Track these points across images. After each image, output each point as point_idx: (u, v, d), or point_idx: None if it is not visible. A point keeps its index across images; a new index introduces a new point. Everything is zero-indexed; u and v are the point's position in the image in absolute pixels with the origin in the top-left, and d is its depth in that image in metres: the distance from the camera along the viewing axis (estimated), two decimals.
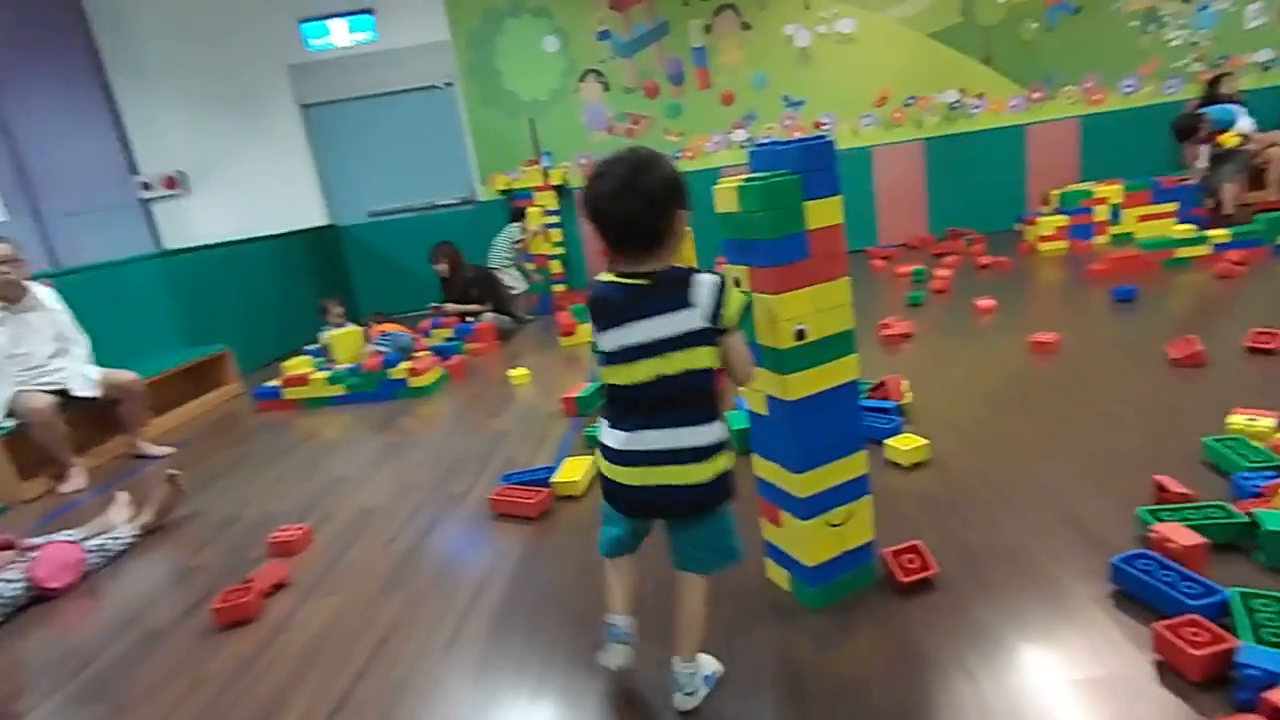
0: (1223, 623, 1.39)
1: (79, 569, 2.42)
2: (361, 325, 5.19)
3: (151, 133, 7.28)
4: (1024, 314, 4.08)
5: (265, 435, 3.94)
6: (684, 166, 6.97)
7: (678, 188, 1.28)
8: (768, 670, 1.53)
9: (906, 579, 1.70)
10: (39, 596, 2.32)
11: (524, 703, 1.56)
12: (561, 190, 6.85)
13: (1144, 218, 5.50)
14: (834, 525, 1.67)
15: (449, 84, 7.18)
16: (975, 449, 2.42)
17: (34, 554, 2.38)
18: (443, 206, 7.47)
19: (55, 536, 2.51)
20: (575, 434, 3.16)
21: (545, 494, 2.45)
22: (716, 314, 1.29)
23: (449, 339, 5.27)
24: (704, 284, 1.28)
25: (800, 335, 1.54)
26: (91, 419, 3.79)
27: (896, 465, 2.37)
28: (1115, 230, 5.55)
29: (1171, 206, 5.45)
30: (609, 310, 1.31)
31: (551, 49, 6.98)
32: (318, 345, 5.02)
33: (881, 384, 2.87)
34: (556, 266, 6.94)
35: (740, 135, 7.07)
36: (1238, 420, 2.17)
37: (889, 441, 2.41)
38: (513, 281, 6.19)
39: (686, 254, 1.44)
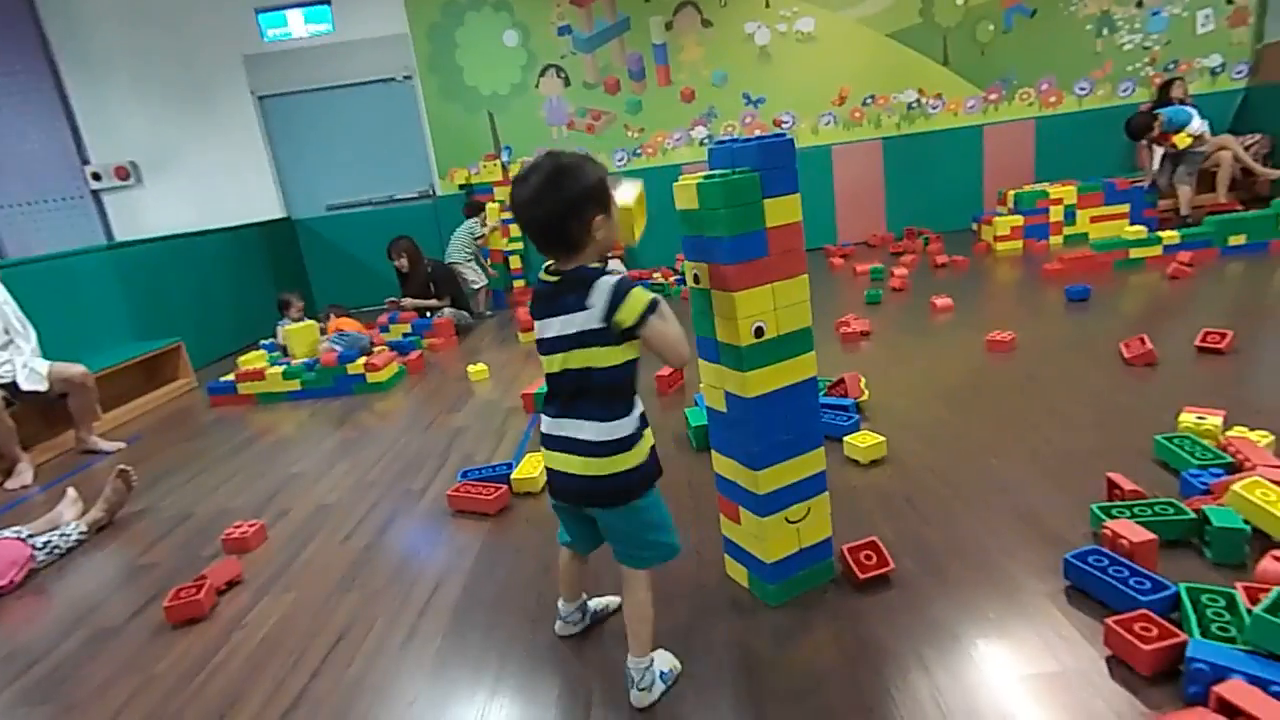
0: (1172, 618, 1.42)
1: (26, 566, 2.38)
2: (318, 319, 5.08)
3: (103, 122, 7.07)
4: (980, 313, 4.15)
5: (219, 430, 3.87)
6: (644, 163, 6.98)
7: (594, 194, 1.32)
8: (727, 667, 1.52)
9: (864, 575, 1.70)
10: None
11: (482, 699, 1.54)
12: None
13: (1097, 218, 5.64)
14: (792, 522, 1.66)
15: (408, 77, 7.06)
16: (932, 446, 2.44)
17: None
18: (401, 201, 7.35)
19: (2, 533, 2.46)
20: (535, 430, 3.09)
21: (504, 490, 2.44)
22: (610, 314, 1.31)
23: (407, 334, 5.20)
24: (602, 287, 1.31)
25: (759, 332, 1.54)
26: (39, 413, 3.74)
27: (854, 462, 2.38)
28: (1069, 231, 5.69)
29: (1124, 208, 5.61)
30: (535, 303, 1.42)
31: (511, 43, 6.91)
32: (276, 340, 4.91)
33: (840, 381, 2.88)
34: (516, 262, 6.89)
35: (700, 132, 7.08)
36: (1187, 419, 2.22)
37: (847, 439, 2.43)
38: (473, 276, 6.12)
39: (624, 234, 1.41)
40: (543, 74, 6.98)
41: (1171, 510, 1.74)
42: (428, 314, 5.50)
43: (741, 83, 6.96)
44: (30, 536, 2.47)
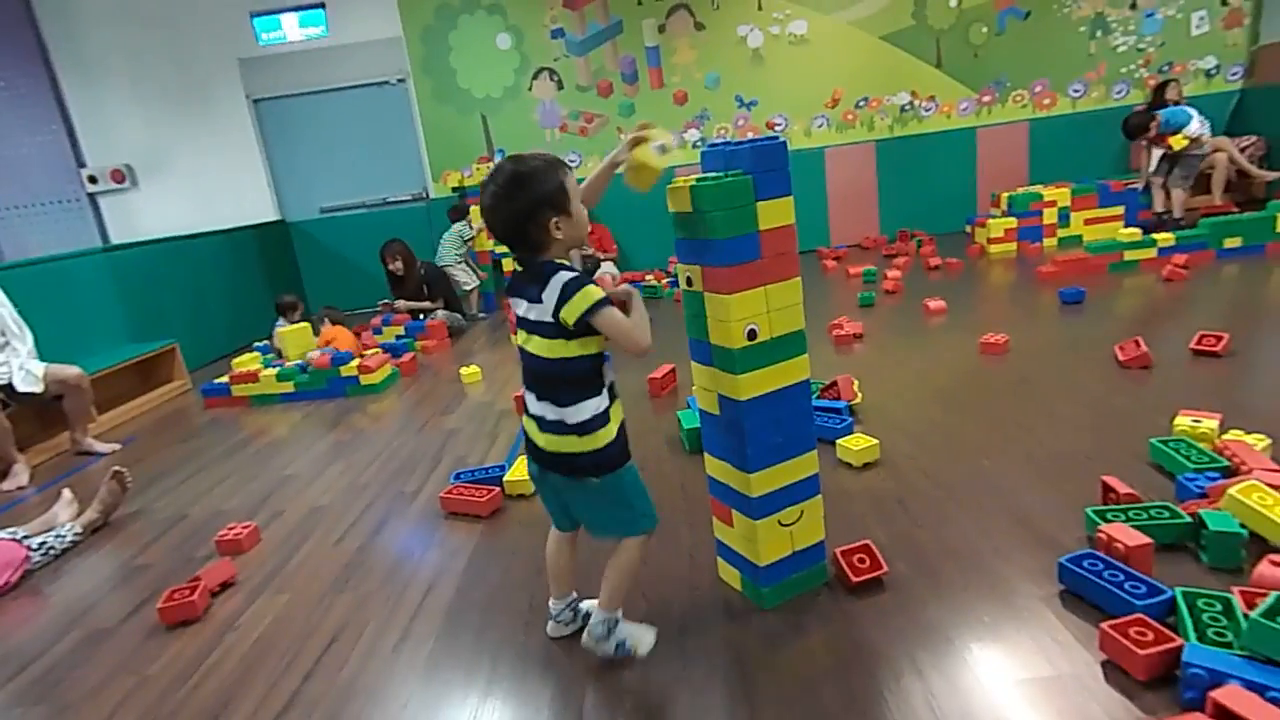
0: (1168, 622, 1.41)
1: (21, 567, 2.38)
2: (313, 321, 5.06)
3: (99, 125, 7.07)
4: (974, 315, 4.14)
5: (213, 432, 3.86)
6: None
7: (549, 200, 1.37)
8: (719, 670, 1.52)
9: (857, 579, 1.69)
10: None
11: (474, 701, 1.54)
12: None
13: (1091, 221, 5.65)
14: (785, 525, 1.65)
15: (401, 80, 7.05)
16: (926, 449, 2.43)
17: None
18: (395, 203, 7.33)
19: None
20: None
21: (496, 493, 2.44)
22: (558, 310, 1.37)
23: (400, 336, 5.18)
24: (554, 284, 1.37)
25: (752, 335, 1.53)
26: (35, 415, 3.78)
27: (848, 465, 2.37)
28: (1064, 233, 5.69)
29: (1118, 210, 5.61)
30: (509, 283, 1.51)
31: (505, 46, 6.90)
32: (272, 342, 4.90)
33: (833, 384, 2.87)
34: (509, 265, 6.85)
35: (693, 135, 7.08)
36: (1183, 422, 2.21)
37: (840, 441, 2.42)
38: (464, 278, 6.11)
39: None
40: (536, 77, 6.97)
41: (1167, 514, 1.73)
42: (421, 316, 5.48)
43: (734, 85, 6.96)
44: (26, 538, 2.48)
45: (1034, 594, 1.61)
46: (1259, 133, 6.09)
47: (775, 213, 1.53)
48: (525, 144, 7.04)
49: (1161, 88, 5.91)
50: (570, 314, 1.35)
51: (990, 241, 5.75)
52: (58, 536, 2.54)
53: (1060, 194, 5.67)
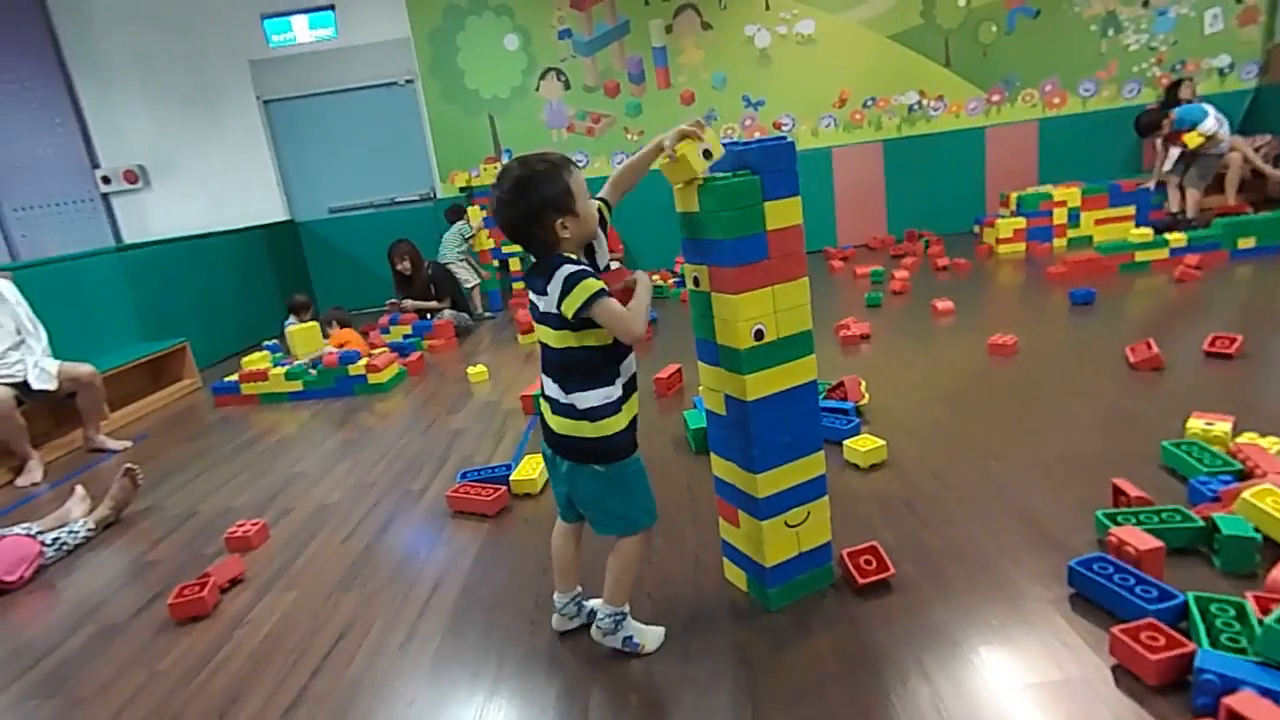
0: (1180, 627, 1.39)
1: (36, 562, 2.41)
2: (321, 322, 5.08)
3: (112, 126, 7.14)
4: (982, 316, 4.12)
5: (223, 430, 3.89)
6: None
7: (554, 202, 1.40)
8: (725, 671, 1.51)
9: (864, 580, 1.68)
10: None
11: (480, 699, 1.54)
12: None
13: (1102, 221, 5.61)
14: (792, 526, 1.64)
15: (409, 80, 7.08)
16: (933, 450, 2.42)
17: None
18: (403, 203, 7.36)
19: (13, 530, 2.50)
20: (534, 432, 3.11)
21: (503, 492, 2.44)
22: (559, 302, 1.39)
23: (408, 336, 5.19)
24: (557, 277, 1.40)
25: (759, 335, 1.52)
26: (49, 412, 3.82)
27: (854, 466, 2.36)
28: (1073, 234, 5.65)
29: (1130, 210, 5.57)
30: (525, 277, 1.57)
31: (512, 47, 6.91)
32: (282, 340, 4.93)
33: (840, 385, 2.86)
34: (515, 265, 6.89)
35: None
36: (1195, 424, 2.18)
37: (847, 442, 2.40)
38: (465, 275, 6.13)
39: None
40: (543, 77, 6.98)
41: (1179, 517, 1.72)
42: (428, 316, 5.49)
43: (741, 85, 6.95)
44: (40, 533, 2.52)
45: (1043, 597, 1.60)
46: (1274, 132, 6.01)
47: (782, 213, 1.53)
48: (532, 144, 7.03)
49: (1175, 86, 5.85)
50: (569, 307, 1.38)
51: (999, 242, 5.72)
52: (71, 532, 2.57)
53: (1070, 194, 5.63)
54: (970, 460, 2.31)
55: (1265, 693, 1.17)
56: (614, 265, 6.42)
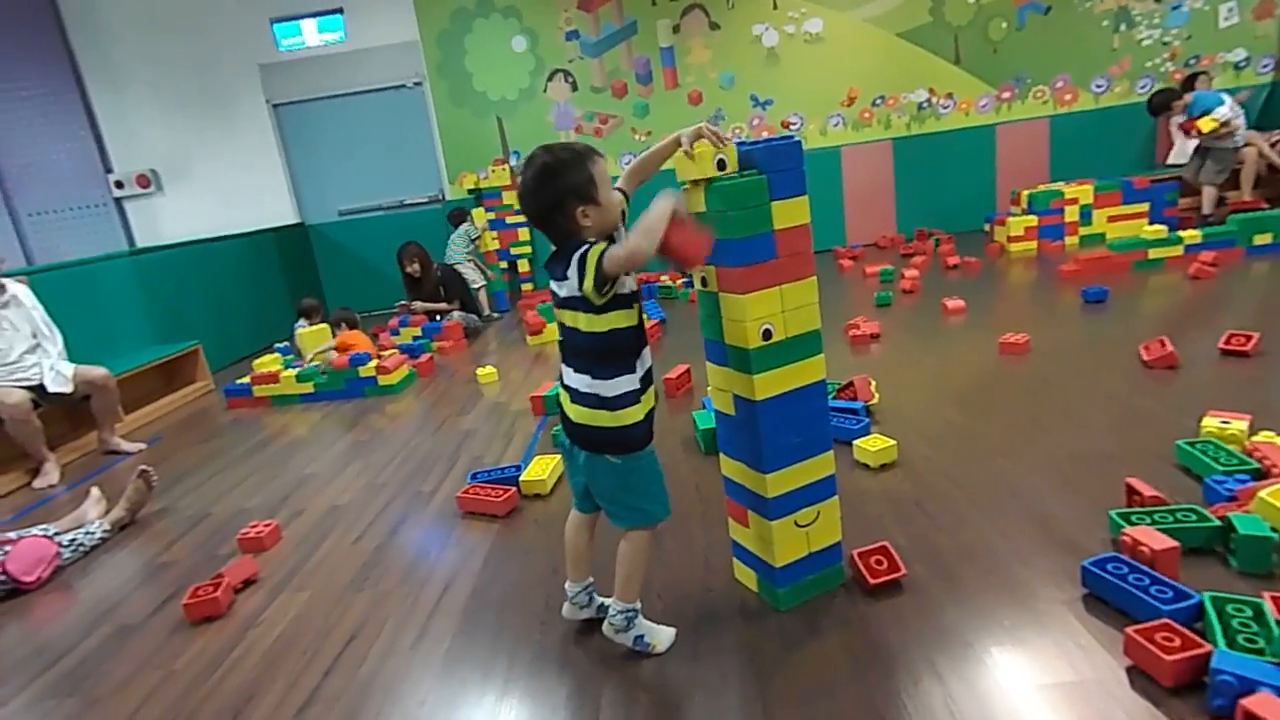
0: (1195, 628, 1.38)
1: (53, 563, 2.44)
2: (329, 323, 5.11)
3: (125, 132, 7.22)
4: (993, 315, 4.09)
5: (235, 432, 3.92)
6: None
7: (576, 191, 1.41)
8: (735, 671, 1.51)
9: (875, 580, 1.67)
10: (13, 590, 2.34)
11: (491, 700, 1.54)
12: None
13: (1115, 218, 5.56)
14: (801, 526, 1.64)
15: (418, 83, 7.11)
16: (944, 450, 2.40)
17: (8, 548, 2.38)
18: (412, 205, 7.39)
19: (30, 531, 2.53)
20: (543, 433, 3.11)
21: (512, 493, 2.45)
22: (579, 285, 1.40)
23: (417, 337, 5.21)
24: (574, 261, 1.42)
25: (767, 335, 1.52)
26: (64, 415, 3.85)
27: (864, 466, 2.35)
28: (1086, 231, 5.61)
29: (1143, 207, 5.52)
30: (547, 264, 1.52)
31: (520, 49, 6.93)
32: (292, 344, 4.97)
33: (849, 384, 2.84)
34: (524, 265, 6.92)
35: None
36: (1211, 423, 2.16)
37: (857, 442, 2.39)
38: (472, 275, 6.16)
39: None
40: (550, 78, 6.99)
41: (1194, 517, 1.70)
42: (438, 317, 5.51)
43: (749, 84, 6.94)
44: (57, 534, 2.55)
45: (1055, 598, 1.58)
46: None
47: (790, 212, 1.53)
48: (539, 146, 7.04)
49: (1190, 80, 5.79)
50: (589, 282, 1.38)
51: (1010, 240, 5.68)
52: (87, 533, 2.60)
53: (1082, 191, 5.58)
54: (981, 460, 2.30)
55: None
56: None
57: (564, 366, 1.54)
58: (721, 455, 1.73)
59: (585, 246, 1.41)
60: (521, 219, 6.81)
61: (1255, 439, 2.03)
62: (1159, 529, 1.65)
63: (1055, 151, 6.81)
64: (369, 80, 7.11)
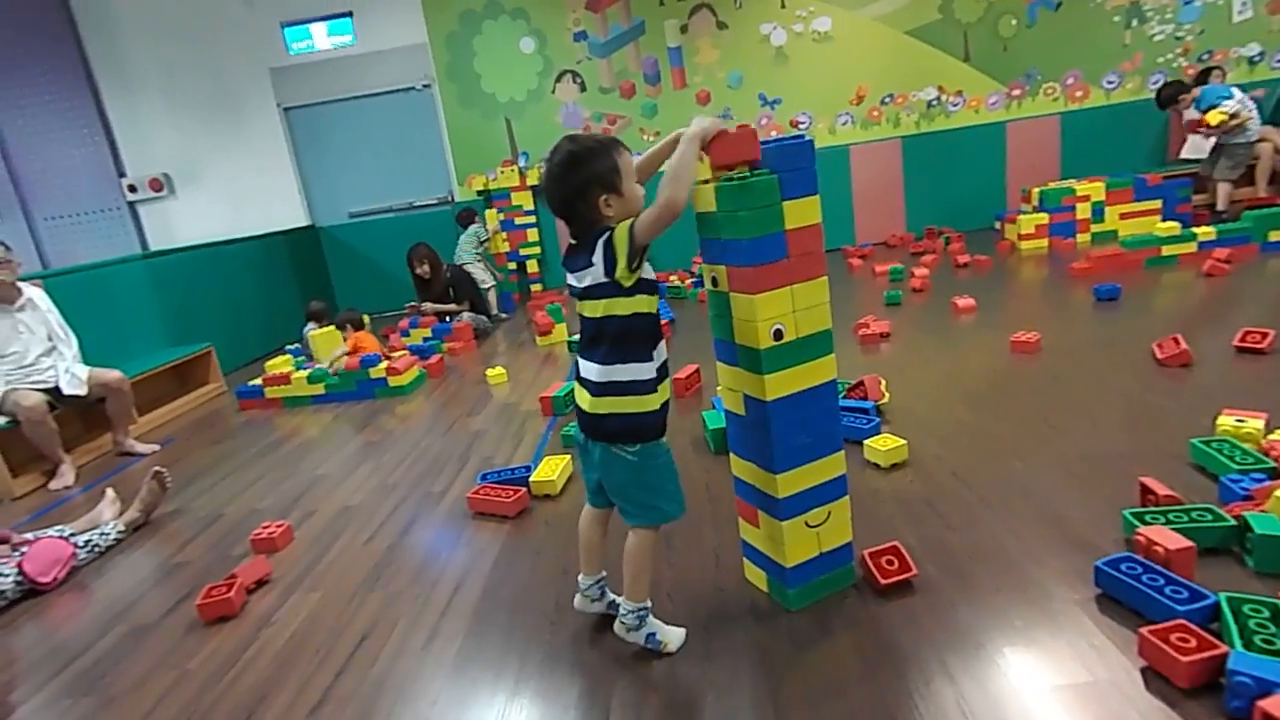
0: (1211, 629, 1.37)
1: (69, 564, 2.46)
2: (335, 325, 5.13)
3: (138, 136, 7.28)
4: (1004, 313, 4.07)
5: (248, 433, 3.94)
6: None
7: (600, 179, 1.43)
8: (745, 671, 1.50)
9: (886, 581, 1.67)
10: (30, 591, 2.36)
11: (502, 699, 1.55)
12: (538, 191, 6.89)
13: (1127, 215, 5.52)
14: (812, 526, 1.63)
15: (427, 85, 7.13)
16: (955, 449, 2.39)
17: (25, 549, 2.41)
18: (421, 207, 7.42)
19: (47, 532, 2.56)
20: (553, 433, 3.12)
21: (523, 493, 2.45)
22: (610, 269, 1.41)
23: (427, 339, 5.23)
24: (599, 246, 1.42)
25: (778, 335, 1.52)
26: (79, 417, 3.90)
27: (875, 466, 2.34)
28: (1097, 228, 5.57)
29: (1155, 204, 5.47)
30: (565, 258, 1.55)
31: (528, 50, 6.95)
32: (303, 345, 5.01)
33: (860, 384, 2.83)
34: (533, 266, 6.95)
35: None
36: (1226, 422, 2.14)
37: (868, 442, 2.39)
38: (482, 276, 6.18)
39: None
40: (559, 79, 7.00)
41: (1209, 516, 1.68)
42: (447, 318, 5.53)
43: (757, 84, 6.93)
44: (72, 535, 2.58)
45: (1069, 598, 1.57)
46: None
47: (801, 212, 1.52)
48: (549, 147, 7.03)
49: (1204, 75, 5.73)
50: (621, 258, 1.39)
51: (1021, 238, 5.64)
52: (102, 534, 2.63)
53: (1094, 188, 5.54)
54: (993, 459, 2.29)
55: None
56: None
57: (581, 360, 1.54)
58: (732, 455, 1.73)
59: (608, 231, 1.42)
60: (530, 220, 6.86)
61: (1271, 437, 2.01)
62: (1174, 529, 1.63)
63: (1066, 148, 6.76)
64: (378, 83, 7.15)
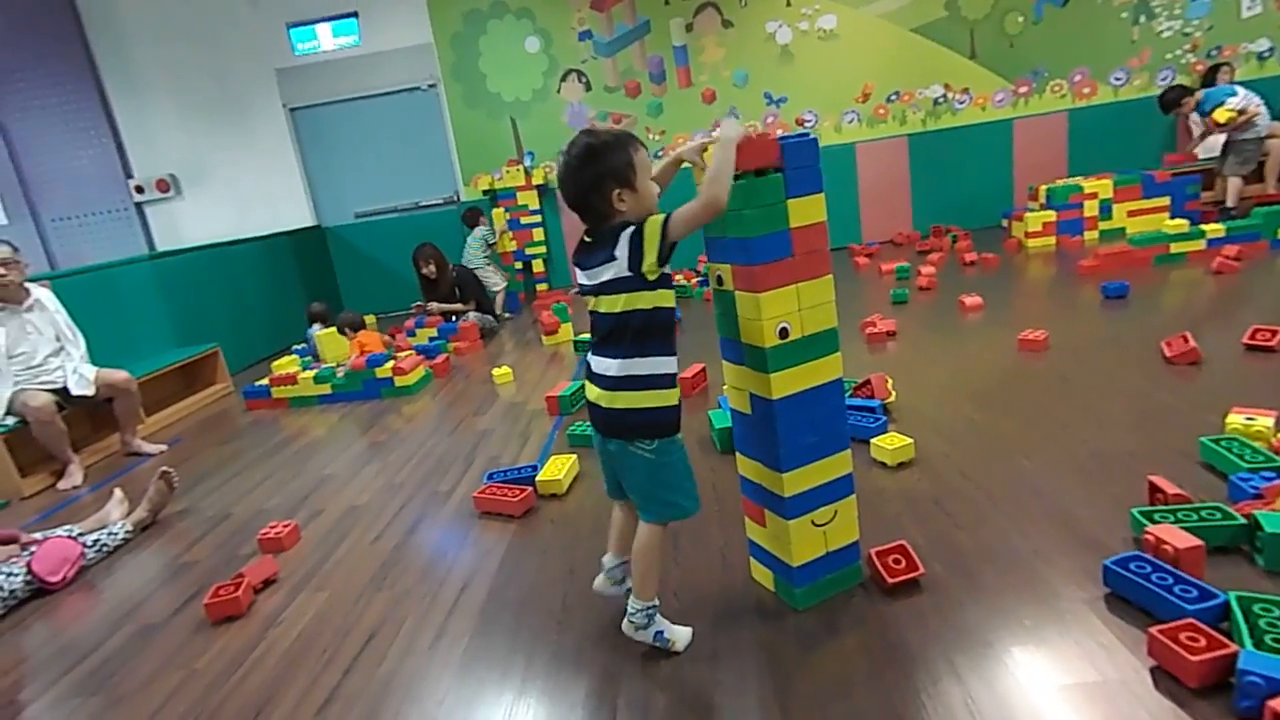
0: (1221, 628, 1.36)
1: (78, 563, 2.48)
2: (338, 329, 5.14)
3: (145, 137, 7.32)
4: (1012, 311, 4.05)
5: (255, 433, 3.95)
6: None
7: (613, 173, 1.44)
8: (753, 670, 1.50)
9: (893, 580, 1.66)
10: (39, 590, 2.37)
11: (509, 699, 1.55)
12: (543, 190, 6.89)
13: (1135, 213, 5.49)
14: (819, 525, 1.63)
15: (432, 85, 7.15)
16: (962, 448, 2.38)
17: (34, 549, 2.42)
18: (427, 207, 7.43)
19: (56, 532, 2.57)
20: (559, 432, 3.12)
21: (529, 492, 2.45)
22: (636, 262, 1.42)
23: (433, 338, 5.24)
24: (622, 240, 1.43)
25: (784, 333, 1.52)
26: (87, 417, 3.91)
27: (882, 465, 2.33)
28: (1105, 226, 5.54)
29: (1164, 201, 5.44)
30: (576, 253, 1.56)
31: (533, 49, 6.95)
32: (309, 345, 5.03)
33: (866, 382, 2.83)
34: (539, 265, 6.96)
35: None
36: (1236, 420, 2.12)
37: (874, 441, 2.38)
38: (496, 279, 6.20)
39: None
40: (564, 79, 7.01)
41: (1219, 515, 1.67)
42: (453, 318, 5.54)
43: (763, 82, 6.92)
44: (81, 535, 2.58)
45: (1077, 597, 1.57)
46: None
47: (806, 210, 1.52)
48: (554, 146, 7.08)
49: (1212, 72, 5.70)
50: (653, 252, 1.40)
51: (1028, 235, 5.62)
52: (110, 534, 2.64)
53: (1102, 185, 5.52)
54: (1000, 458, 2.28)
55: None
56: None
57: (594, 357, 1.53)
58: (738, 454, 1.73)
59: (632, 226, 1.42)
60: (536, 219, 6.87)
61: None
62: (1183, 527, 1.63)
63: (1074, 146, 6.73)
64: (384, 83, 7.16)
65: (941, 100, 6.82)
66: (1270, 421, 2.08)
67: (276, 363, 4.73)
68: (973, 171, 6.88)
